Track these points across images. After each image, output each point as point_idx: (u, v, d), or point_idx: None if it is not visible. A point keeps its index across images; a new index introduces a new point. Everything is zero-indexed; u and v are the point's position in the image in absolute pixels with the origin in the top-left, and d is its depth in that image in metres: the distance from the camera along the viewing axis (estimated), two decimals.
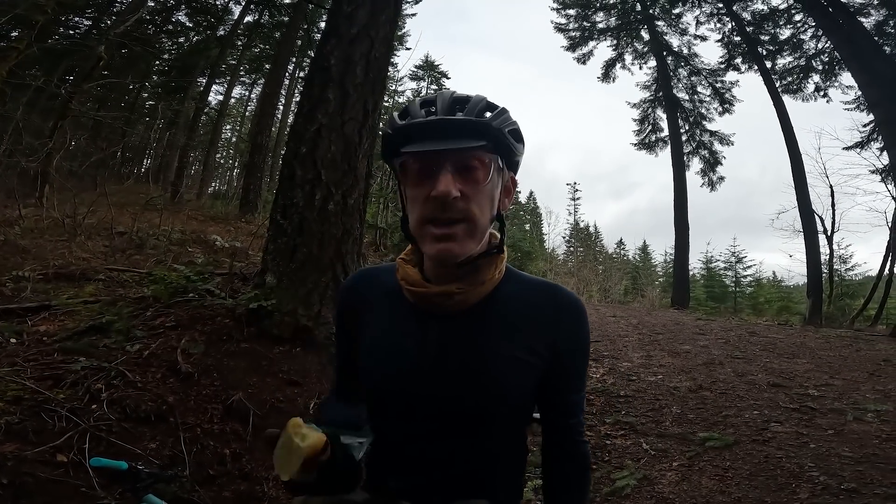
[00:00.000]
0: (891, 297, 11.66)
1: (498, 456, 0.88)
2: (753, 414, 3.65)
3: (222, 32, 17.49)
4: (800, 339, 6.81)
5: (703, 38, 15.61)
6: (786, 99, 13.28)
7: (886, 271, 11.55)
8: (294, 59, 19.10)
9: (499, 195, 0.85)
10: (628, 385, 4.58)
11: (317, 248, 3.60)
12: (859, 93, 12.03)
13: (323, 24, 7.74)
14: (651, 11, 15.88)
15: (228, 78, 19.85)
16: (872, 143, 12.36)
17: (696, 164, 16.61)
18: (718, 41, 15.19)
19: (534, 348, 0.85)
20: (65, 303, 3.54)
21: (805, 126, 21.44)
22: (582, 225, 39.59)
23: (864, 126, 12.47)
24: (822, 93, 13.62)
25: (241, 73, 21.42)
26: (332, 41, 3.94)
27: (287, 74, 19.02)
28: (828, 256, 12.89)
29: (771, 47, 13.86)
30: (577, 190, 39.35)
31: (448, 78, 22.24)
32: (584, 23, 16.63)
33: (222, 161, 29.85)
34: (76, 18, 13.79)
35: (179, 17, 17.42)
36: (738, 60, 14.97)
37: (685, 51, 16.00)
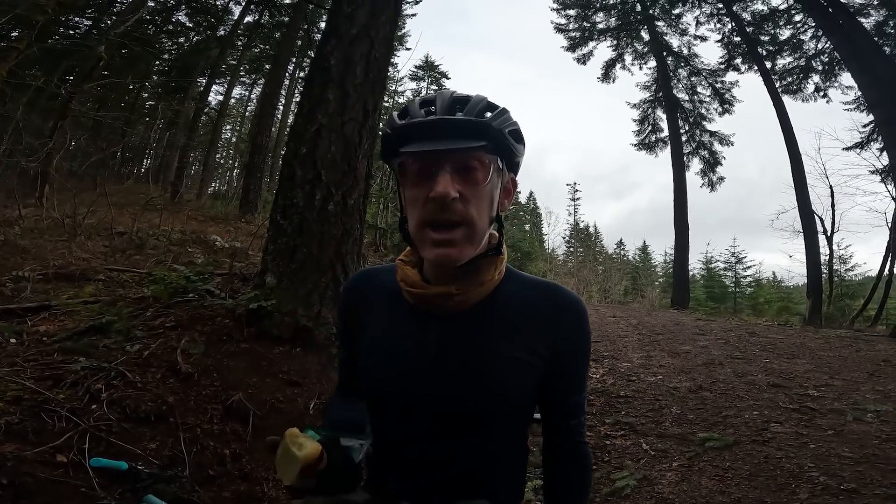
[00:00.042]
0: (891, 297, 11.66)
1: (498, 456, 0.87)
2: (753, 414, 3.65)
3: (222, 32, 17.50)
4: (799, 339, 6.81)
5: (703, 39, 15.65)
6: (786, 99, 13.32)
7: (886, 272, 11.56)
8: (294, 60, 19.11)
9: (498, 196, 0.85)
10: (628, 385, 4.58)
11: (317, 248, 3.60)
12: (859, 93, 12.05)
13: (323, 25, 7.75)
14: (651, 12, 15.89)
15: (228, 78, 19.86)
16: (872, 143, 12.38)
17: (695, 165, 16.66)
18: (718, 41, 15.23)
19: (534, 348, 0.85)
20: (65, 303, 3.54)
21: (805, 126, 21.42)
22: (582, 225, 39.60)
23: (864, 126, 12.49)
24: (821, 93, 13.65)
25: (241, 73, 21.43)
26: (332, 41, 3.94)
27: (287, 74, 19.03)
28: (828, 257, 12.91)
29: (771, 48, 13.87)
30: (576, 190, 39.34)
31: (448, 78, 22.29)
32: (584, 23, 16.65)
33: (222, 161, 29.86)
34: (76, 18, 13.80)
35: (179, 18, 17.46)
36: (738, 61, 14.99)
37: (685, 51, 16.05)
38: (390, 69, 11.13)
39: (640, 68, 17.24)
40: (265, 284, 3.54)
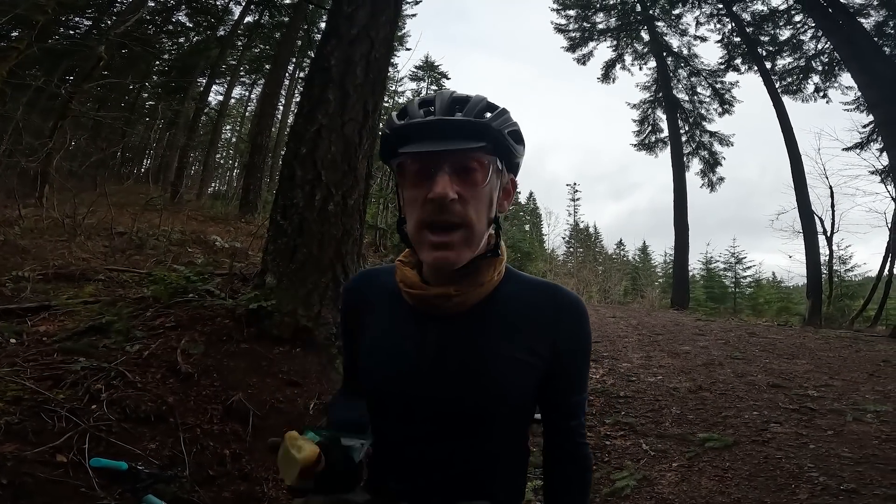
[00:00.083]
0: (890, 297, 11.67)
1: (498, 457, 0.87)
2: (753, 415, 3.65)
3: (222, 33, 17.50)
4: (799, 339, 6.81)
5: (703, 39, 15.65)
6: (785, 99, 13.33)
7: (886, 272, 11.56)
8: (294, 60, 19.12)
9: (497, 197, 0.85)
10: (628, 386, 4.58)
11: (317, 248, 3.60)
12: (859, 94, 12.05)
13: (323, 25, 7.75)
14: (651, 12, 15.89)
15: (228, 78, 19.86)
16: (872, 143, 12.38)
17: (695, 165, 16.67)
18: (718, 42, 15.24)
19: (534, 349, 0.85)
20: (64, 303, 3.54)
21: (805, 127, 21.48)
22: (582, 225, 39.62)
23: (864, 127, 12.50)
24: (821, 93, 13.66)
25: (241, 73, 21.43)
26: (333, 42, 3.94)
27: (287, 75, 19.03)
28: (827, 257, 12.92)
29: (771, 48, 13.88)
30: (576, 190, 39.36)
31: (448, 78, 22.32)
32: (584, 24, 16.65)
33: (222, 161, 29.86)
34: (76, 18, 13.79)
35: (179, 18, 17.47)
36: (738, 61, 15.00)
37: (685, 51, 16.05)
38: (390, 69, 11.15)
39: (640, 69, 17.29)
40: (265, 284, 3.54)
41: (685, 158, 16.10)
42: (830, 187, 12.90)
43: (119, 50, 13.15)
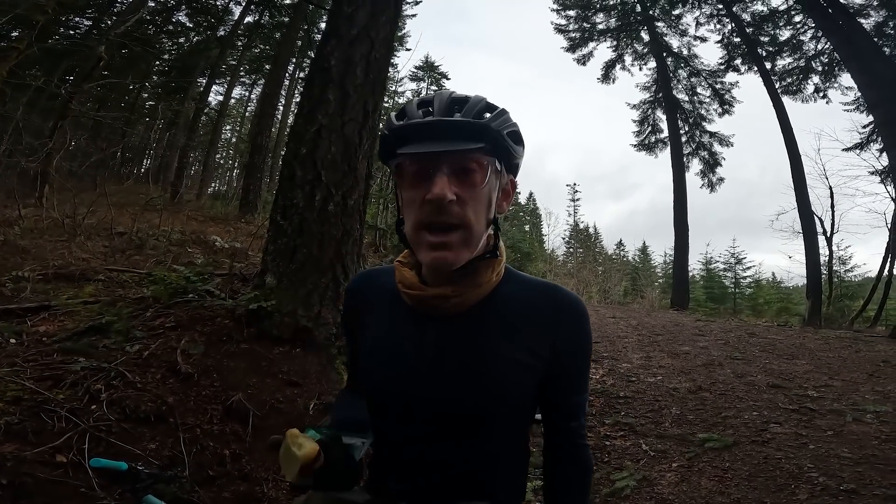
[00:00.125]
0: (890, 298, 11.67)
1: (498, 457, 0.87)
2: (753, 415, 3.66)
3: (222, 33, 17.50)
4: (799, 340, 6.81)
5: (703, 40, 15.64)
6: (785, 100, 13.32)
7: (886, 272, 11.56)
8: (294, 60, 19.11)
9: (496, 198, 0.85)
10: (628, 386, 4.58)
11: (317, 248, 3.60)
12: (859, 94, 12.05)
13: (323, 25, 7.75)
14: (651, 13, 15.89)
15: (228, 78, 19.86)
16: (872, 144, 12.38)
17: (695, 166, 16.66)
18: (718, 42, 15.23)
19: (534, 349, 0.85)
20: (64, 303, 3.54)
21: (805, 127, 21.55)
22: (581, 226, 39.66)
23: (864, 127, 12.50)
24: (821, 94, 13.66)
25: (241, 73, 21.43)
26: (333, 42, 3.94)
27: (287, 75, 19.03)
28: (827, 258, 12.93)
29: (771, 48, 13.88)
30: (576, 191, 39.43)
31: (448, 78, 22.30)
32: (584, 24, 16.65)
33: (222, 161, 29.85)
34: (76, 18, 13.79)
35: (179, 18, 17.46)
36: (738, 61, 14.99)
37: (685, 52, 16.04)
38: (390, 70, 11.13)
39: (640, 69, 17.27)
40: (265, 285, 3.54)
41: (685, 159, 16.10)
42: (830, 188, 12.94)
43: (119, 50, 13.15)
